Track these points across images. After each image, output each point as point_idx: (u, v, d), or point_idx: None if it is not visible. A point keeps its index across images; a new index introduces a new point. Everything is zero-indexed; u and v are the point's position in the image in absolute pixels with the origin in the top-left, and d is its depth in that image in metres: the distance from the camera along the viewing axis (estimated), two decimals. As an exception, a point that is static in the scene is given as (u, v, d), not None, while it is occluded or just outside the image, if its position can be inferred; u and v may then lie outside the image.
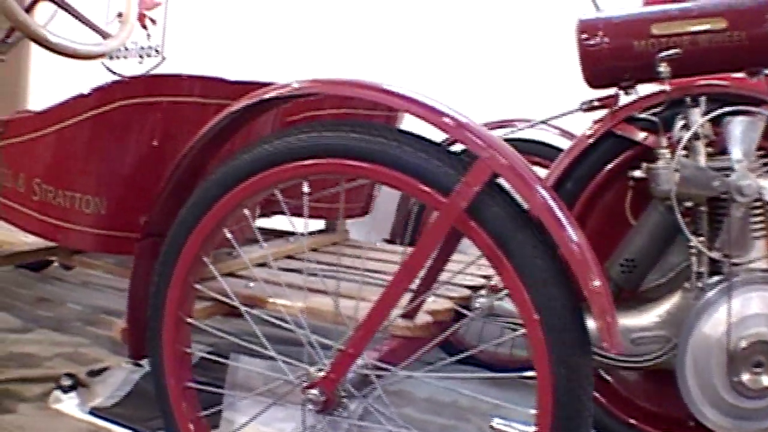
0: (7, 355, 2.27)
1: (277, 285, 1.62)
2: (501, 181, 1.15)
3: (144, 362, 2.12)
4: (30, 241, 2.11)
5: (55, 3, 2.43)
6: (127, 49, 3.38)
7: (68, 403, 1.98)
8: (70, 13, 2.46)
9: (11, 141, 1.82)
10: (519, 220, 1.12)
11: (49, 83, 3.73)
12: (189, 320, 1.45)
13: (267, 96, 1.33)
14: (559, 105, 1.93)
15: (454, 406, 2.04)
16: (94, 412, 1.94)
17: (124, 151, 1.67)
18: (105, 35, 2.38)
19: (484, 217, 1.13)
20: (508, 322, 1.42)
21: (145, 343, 1.49)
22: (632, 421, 1.63)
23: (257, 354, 2.03)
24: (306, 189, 1.31)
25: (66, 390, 2.01)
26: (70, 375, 2.07)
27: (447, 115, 1.17)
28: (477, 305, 1.46)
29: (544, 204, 1.10)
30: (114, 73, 3.32)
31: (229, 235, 1.39)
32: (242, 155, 1.32)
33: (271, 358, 1.43)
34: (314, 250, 2.12)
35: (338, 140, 1.22)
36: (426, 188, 1.16)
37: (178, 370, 1.45)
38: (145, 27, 2.69)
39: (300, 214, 1.64)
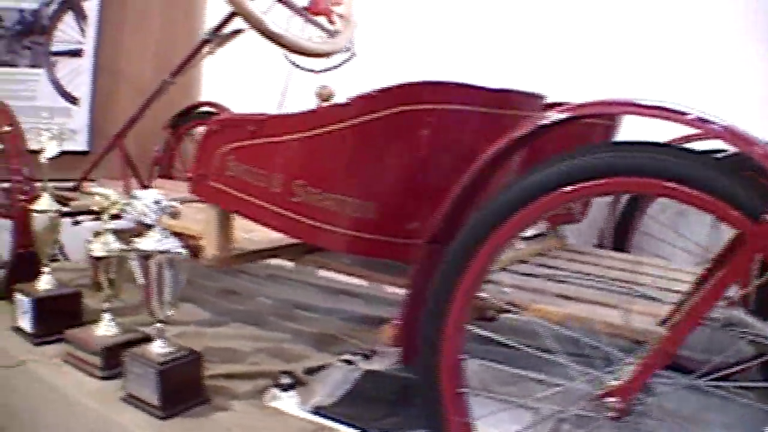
0: (207, 349, 2.27)
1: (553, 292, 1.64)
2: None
3: (356, 359, 2.22)
4: (256, 239, 2.17)
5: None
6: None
7: (287, 402, 1.99)
8: (296, 12, 2.51)
9: (266, 141, 1.85)
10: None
11: (220, 75, 3.83)
12: (466, 326, 1.45)
13: (578, 113, 1.35)
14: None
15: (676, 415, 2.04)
16: (317, 411, 1.94)
17: (394, 158, 1.68)
18: (331, 33, 2.44)
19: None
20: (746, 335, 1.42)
21: (416, 348, 1.50)
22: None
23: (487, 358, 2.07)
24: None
25: (285, 388, 2.03)
26: (288, 373, 2.10)
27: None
28: (716, 316, 1.47)
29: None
30: (299, 67, 3.37)
31: (522, 246, 1.41)
32: (550, 168, 1.32)
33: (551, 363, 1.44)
34: (540, 254, 2.13)
35: (650, 161, 1.23)
36: (734, 212, 1.17)
37: (453, 376, 1.45)
38: (332, 23, 2.73)
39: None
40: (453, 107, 1.65)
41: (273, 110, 3.46)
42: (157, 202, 1.89)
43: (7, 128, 2.80)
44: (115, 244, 2.19)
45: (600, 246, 2.43)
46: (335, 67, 3.42)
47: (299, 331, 2.61)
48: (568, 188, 1.30)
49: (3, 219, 2.98)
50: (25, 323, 2.44)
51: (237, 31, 2.54)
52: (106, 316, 2.22)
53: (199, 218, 2.26)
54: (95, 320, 2.31)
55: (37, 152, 2.67)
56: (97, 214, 2.42)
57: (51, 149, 2.55)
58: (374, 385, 2.11)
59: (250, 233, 2.12)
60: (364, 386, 2.10)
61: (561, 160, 1.32)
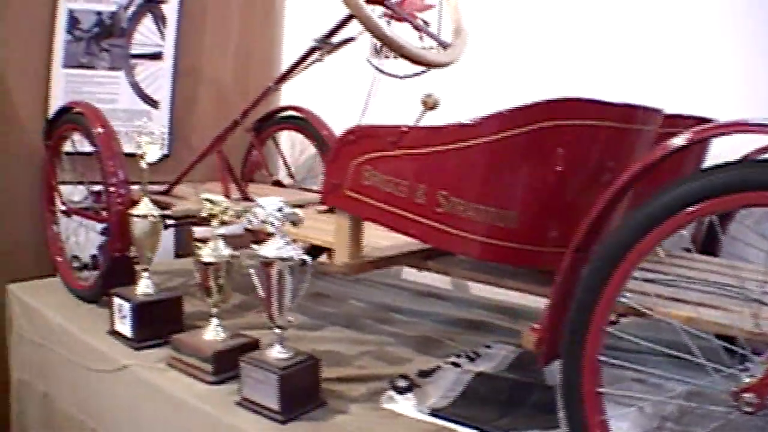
0: (312, 353, 2.36)
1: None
2: None
3: (461, 362, 2.36)
4: (384, 245, 2.32)
5: (387, 6, 2.61)
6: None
7: (404, 404, 2.10)
8: (408, 22, 2.66)
9: (408, 152, 1.97)
10: None
11: (300, 78, 3.96)
12: (606, 329, 1.57)
13: (712, 134, 1.49)
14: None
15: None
16: (435, 412, 2.05)
17: (536, 170, 1.80)
18: (445, 45, 2.54)
19: None
20: None
21: (556, 350, 1.65)
22: None
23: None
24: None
25: (402, 391, 2.15)
26: (404, 376, 2.22)
27: None
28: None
29: None
30: (383, 72, 3.47)
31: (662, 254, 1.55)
32: (701, 178, 1.45)
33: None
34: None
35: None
36: None
37: (593, 376, 1.58)
38: (417, 29, 2.84)
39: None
40: (588, 122, 1.78)
41: (357, 114, 3.58)
42: (279, 210, 2.03)
43: (99, 129, 2.91)
44: (225, 251, 2.32)
45: (689, 250, 2.55)
46: (419, 73, 3.54)
47: (398, 334, 2.75)
48: (696, 206, 1.44)
49: (90, 221, 3.17)
50: (125, 327, 2.57)
51: (349, 39, 2.64)
52: (214, 321, 2.35)
53: (311, 225, 2.40)
54: (193, 325, 2.51)
55: (131, 155, 2.82)
56: (195, 219, 2.55)
57: (152, 153, 2.67)
58: (485, 387, 2.23)
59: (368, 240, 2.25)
60: (476, 388, 2.22)
61: (694, 179, 1.46)
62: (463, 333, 2.82)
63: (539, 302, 2.41)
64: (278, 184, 3.83)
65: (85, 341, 2.66)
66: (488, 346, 2.59)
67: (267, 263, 2.03)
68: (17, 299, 3.19)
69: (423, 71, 3.44)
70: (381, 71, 3.57)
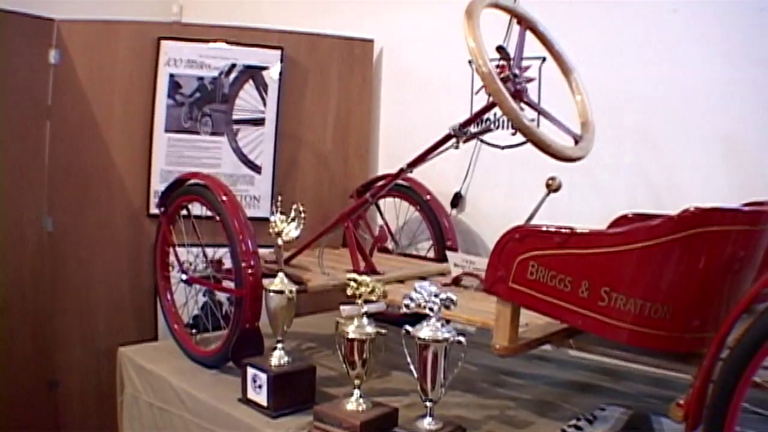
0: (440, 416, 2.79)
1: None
2: None
3: (582, 425, 2.85)
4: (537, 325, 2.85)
5: (529, 104, 3.01)
6: (498, 119, 4.01)
7: None
8: (545, 116, 3.07)
9: (573, 252, 2.46)
10: None
11: (396, 145, 4.55)
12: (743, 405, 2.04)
13: None
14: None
15: None
16: None
17: (687, 269, 2.30)
18: (577, 139, 2.95)
19: None
20: None
21: (699, 421, 2.12)
22: None
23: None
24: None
25: None
26: None
27: None
28: None
29: None
30: (484, 142, 3.97)
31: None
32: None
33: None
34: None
35: None
36: None
37: None
38: (552, 121, 3.09)
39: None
40: (730, 228, 2.30)
41: (457, 183, 4.11)
42: (436, 295, 2.53)
43: (224, 198, 3.39)
44: (369, 328, 2.79)
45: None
46: (519, 144, 4.09)
47: (514, 398, 3.23)
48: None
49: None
50: (259, 397, 3.03)
51: (486, 130, 3.16)
52: (356, 392, 2.81)
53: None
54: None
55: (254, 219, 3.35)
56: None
57: (291, 231, 3.14)
58: (612, 448, 2.70)
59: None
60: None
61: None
62: (574, 395, 3.30)
63: (632, 366, 3.14)
64: (384, 250, 4.35)
65: (217, 408, 3.12)
66: (602, 409, 3.06)
67: (423, 345, 2.54)
68: (131, 362, 3.68)
69: (522, 143, 4.01)
70: (483, 142, 4.15)
